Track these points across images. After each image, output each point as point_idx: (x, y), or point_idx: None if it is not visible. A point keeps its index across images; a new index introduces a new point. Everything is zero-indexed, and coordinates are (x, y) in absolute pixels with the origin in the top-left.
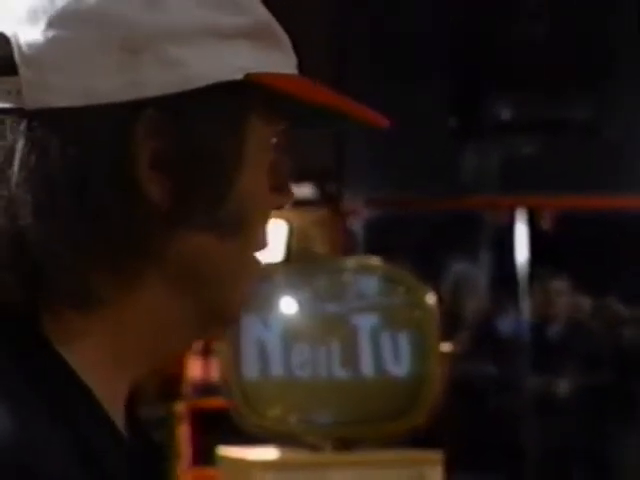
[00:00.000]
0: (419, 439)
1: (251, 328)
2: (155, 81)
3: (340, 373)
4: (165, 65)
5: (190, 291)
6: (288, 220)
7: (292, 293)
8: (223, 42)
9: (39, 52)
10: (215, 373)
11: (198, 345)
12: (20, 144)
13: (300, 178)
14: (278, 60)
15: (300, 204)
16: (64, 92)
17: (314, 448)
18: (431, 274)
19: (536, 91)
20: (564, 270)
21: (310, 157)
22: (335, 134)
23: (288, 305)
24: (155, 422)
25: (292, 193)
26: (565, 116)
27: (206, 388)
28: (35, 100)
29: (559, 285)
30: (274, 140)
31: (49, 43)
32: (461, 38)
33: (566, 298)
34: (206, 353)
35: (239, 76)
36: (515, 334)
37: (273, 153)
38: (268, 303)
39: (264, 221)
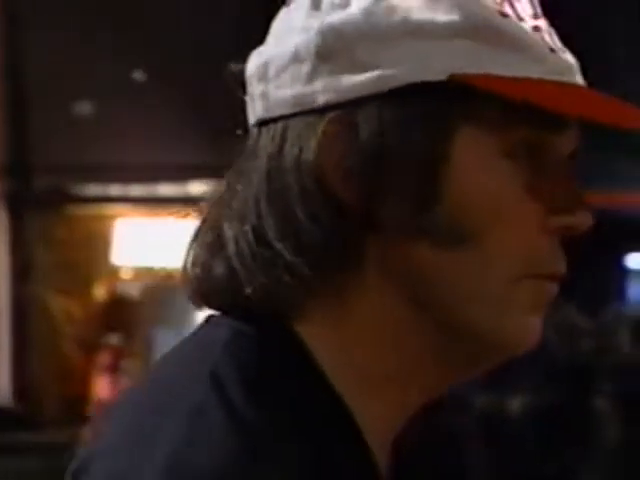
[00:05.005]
0: None
1: (164, 340)
2: (347, 85)
3: None
4: (357, 68)
5: (416, 302)
6: None
7: None
8: (429, 42)
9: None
10: None
11: (105, 360)
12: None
13: None
14: (508, 61)
15: None
16: (277, 103)
17: None
18: None
19: None
20: None
21: None
22: None
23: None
24: (58, 449)
25: (582, 215)
26: None
27: None
28: (268, 110)
29: None
30: (531, 147)
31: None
32: None
33: None
34: (114, 370)
35: (441, 77)
36: None
37: (539, 164)
38: (183, 313)
39: (518, 236)
